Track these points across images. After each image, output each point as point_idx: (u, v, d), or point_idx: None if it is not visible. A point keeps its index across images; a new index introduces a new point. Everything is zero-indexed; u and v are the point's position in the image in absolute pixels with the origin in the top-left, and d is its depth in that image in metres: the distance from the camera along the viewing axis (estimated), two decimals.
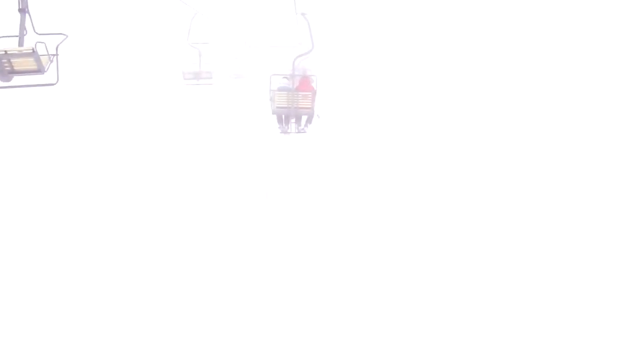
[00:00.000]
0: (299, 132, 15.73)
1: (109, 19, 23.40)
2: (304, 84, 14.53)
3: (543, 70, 22.39)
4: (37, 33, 8.76)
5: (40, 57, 8.40)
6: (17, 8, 8.35)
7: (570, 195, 20.14)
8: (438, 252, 20.37)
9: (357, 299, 19.19)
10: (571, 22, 21.34)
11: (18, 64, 8.30)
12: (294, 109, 14.38)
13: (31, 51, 8.18)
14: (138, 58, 24.84)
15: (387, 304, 19.06)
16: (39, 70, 8.52)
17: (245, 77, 24.87)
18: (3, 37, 8.72)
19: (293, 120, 15.47)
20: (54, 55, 8.86)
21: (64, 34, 8.97)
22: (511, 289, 18.80)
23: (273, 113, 15.04)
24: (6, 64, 8.25)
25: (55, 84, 9.03)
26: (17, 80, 8.76)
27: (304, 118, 15.36)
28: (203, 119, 26.15)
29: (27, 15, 8.45)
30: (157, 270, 20.82)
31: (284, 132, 15.86)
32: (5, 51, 8.09)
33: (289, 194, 23.62)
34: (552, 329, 17.02)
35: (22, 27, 8.45)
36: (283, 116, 15.35)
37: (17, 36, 8.50)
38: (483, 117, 22.39)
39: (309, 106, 14.33)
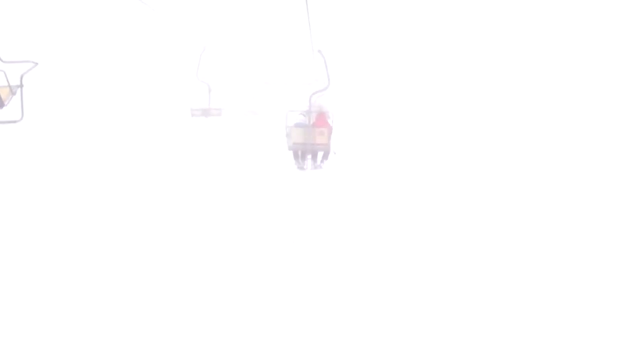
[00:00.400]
0: (315, 168, 15.70)
1: (109, 49, 21.94)
2: (320, 120, 14.55)
3: (559, 75, 22.19)
4: (2, 61, 7.37)
5: None
6: None
7: (573, 197, 19.95)
8: (454, 288, 19.86)
9: (368, 341, 18.78)
10: (571, 23, 21.25)
11: None
12: (310, 145, 14.38)
13: None
14: (141, 92, 23.27)
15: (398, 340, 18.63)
16: None
17: (260, 114, 24.99)
18: None
19: (309, 156, 15.48)
20: (17, 86, 7.37)
21: (33, 62, 7.44)
22: (521, 293, 18.36)
23: (289, 149, 15.05)
24: None
25: (18, 120, 7.60)
26: None
27: (320, 154, 15.35)
28: (215, 155, 26.04)
29: None
30: (163, 314, 20.58)
31: (300, 168, 15.83)
32: None
33: (304, 230, 23.45)
34: (552, 329, 16.46)
35: None
36: (299, 152, 15.36)
37: None
38: (499, 149, 22.21)
39: (325, 142, 14.33)
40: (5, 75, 7.23)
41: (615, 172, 19.30)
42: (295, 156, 15.59)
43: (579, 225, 17.95)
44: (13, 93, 7.39)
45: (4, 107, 7.24)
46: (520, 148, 22.20)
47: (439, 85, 22.51)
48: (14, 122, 7.56)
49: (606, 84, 21.09)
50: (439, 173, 22.19)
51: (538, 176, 21.76)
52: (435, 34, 20.92)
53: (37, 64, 7.56)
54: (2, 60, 7.34)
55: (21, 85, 7.40)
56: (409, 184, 21.95)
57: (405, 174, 23.70)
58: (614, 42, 20.84)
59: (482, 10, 21.33)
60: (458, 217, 21.43)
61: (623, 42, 20.71)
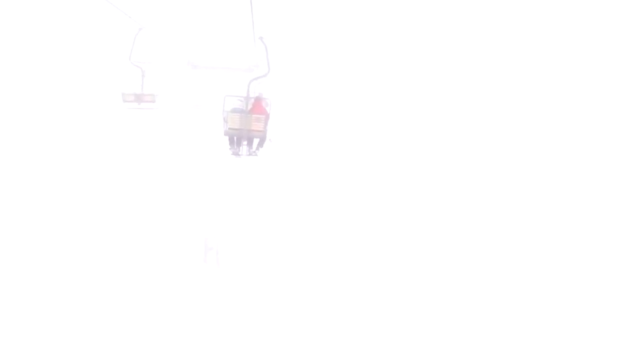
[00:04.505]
0: (250, 154, 15.63)
1: (39, 27, 21.31)
2: (258, 107, 14.50)
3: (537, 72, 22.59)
4: None
5: None
6: None
7: (572, 197, 20.28)
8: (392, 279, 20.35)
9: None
10: (572, 23, 21.62)
11: None
12: (246, 131, 14.27)
13: None
14: (71, 76, 22.17)
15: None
16: None
17: (203, 106, 24.64)
18: None
19: (245, 142, 15.38)
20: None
21: None
22: (512, 290, 18.70)
23: (225, 134, 14.85)
24: None
25: None
26: None
27: (256, 141, 15.31)
28: (150, 139, 25.09)
29: None
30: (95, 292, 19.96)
31: (236, 154, 15.72)
32: None
33: (237, 215, 23.23)
34: (552, 329, 16.87)
35: None
36: (235, 138, 15.22)
37: None
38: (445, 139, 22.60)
39: (262, 129, 14.25)
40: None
41: (615, 172, 19.92)
42: (231, 142, 15.44)
43: (575, 225, 18.43)
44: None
45: None
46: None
47: (377, 74, 22.71)
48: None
49: (606, 85, 21.55)
50: (373, 160, 22.52)
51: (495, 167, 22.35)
52: (376, 22, 21.03)
53: None
54: None
55: None
56: (341, 174, 22.22)
57: (339, 164, 23.95)
58: (614, 42, 21.32)
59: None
60: (393, 204, 21.90)
61: (623, 42, 21.20)
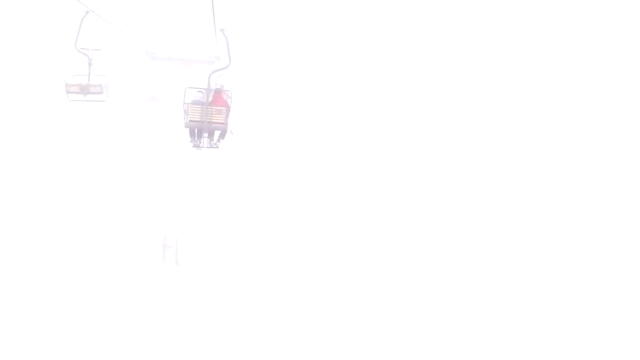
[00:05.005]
0: (211, 147, 15.59)
1: None
2: (218, 99, 14.48)
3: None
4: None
5: None
6: None
7: (569, 195, 20.54)
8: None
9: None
10: (571, 23, 21.85)
11: None
12: (207, 123, 14.25)
13: None
14: (8, 62, 20.96)
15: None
16: None
17: (161, 99, 24.17)
18: None
19: (206, 134, 15.31)
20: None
21: None
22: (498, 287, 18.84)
23: (186, 126, 14.81)
24: None
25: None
26: None
27: (217, 133, 15.27)
28: (99, 133, 23.81)
29: None
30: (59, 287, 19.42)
31: (196, 146, 15.64)
32: None
33: (197, 212, 22.91)
34: (552, 329, 16.99)
35: None
36: (196, 130, 15.15)
37: None
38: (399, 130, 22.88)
39: (222, 121, 14.30)
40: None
41: (615, 172, 20.21)
42: (192, 134, 15.37)
43: (573, 223, 18.59)
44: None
45: None
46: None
47: (338, 65, 22.81)
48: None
49: (606, 84, 21.87)
50: (331, 157, 22.70)
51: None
52: (335, 14, 21.12)
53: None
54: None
55: None
56: (302, 168, 22.32)
57: (300, 158, 23.98)
58: (614, 42, 21.66)
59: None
60: (351, 199, 22.07)
61: (623, 42, 21.53)
